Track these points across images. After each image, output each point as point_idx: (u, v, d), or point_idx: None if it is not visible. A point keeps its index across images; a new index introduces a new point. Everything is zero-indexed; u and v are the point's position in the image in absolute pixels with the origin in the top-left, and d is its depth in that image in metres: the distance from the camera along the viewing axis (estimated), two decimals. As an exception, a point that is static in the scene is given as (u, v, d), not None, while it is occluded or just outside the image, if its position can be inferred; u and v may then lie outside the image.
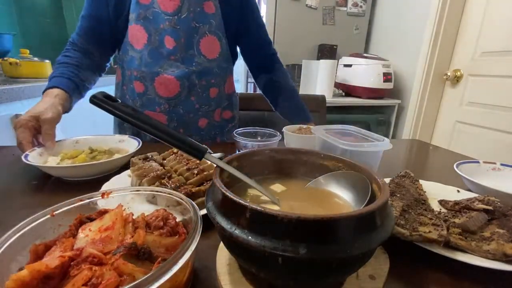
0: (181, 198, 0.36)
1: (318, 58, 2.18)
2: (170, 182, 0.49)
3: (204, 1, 0.83)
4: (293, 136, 0.75)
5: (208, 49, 0.87)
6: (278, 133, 0.80)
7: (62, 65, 0.78)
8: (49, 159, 0.64)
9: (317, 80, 2.00)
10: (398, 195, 0.47)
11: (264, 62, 1.06)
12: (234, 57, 1.02)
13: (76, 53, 0.81)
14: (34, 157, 0.61)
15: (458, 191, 0.55)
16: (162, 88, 0.86)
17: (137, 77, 0.86)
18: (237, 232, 0.25)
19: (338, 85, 2.21)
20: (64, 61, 0.78)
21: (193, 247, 0.26)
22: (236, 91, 1.11)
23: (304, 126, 0.82)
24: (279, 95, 1.04)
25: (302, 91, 2.06)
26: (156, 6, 0.79)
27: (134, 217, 0.33)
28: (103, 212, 0.33)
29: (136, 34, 0.81)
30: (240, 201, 0.25)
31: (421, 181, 0.56)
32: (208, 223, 0.30)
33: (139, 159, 0.60)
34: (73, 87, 0.76)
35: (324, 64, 1.93)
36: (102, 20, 0.81)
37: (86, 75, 0.81)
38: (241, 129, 0.85)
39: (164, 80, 0.85)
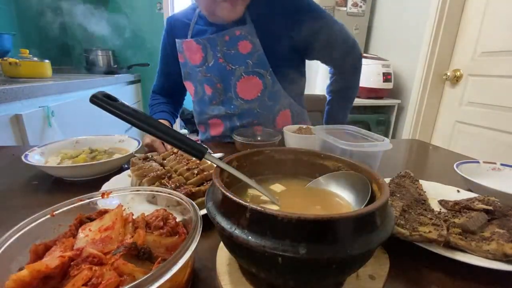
0: (181, 198, 0.36)
1: (318, 58, 2.18)
2: (170, 182, 0.49)
3: (239, 41, 0.80)
4: (293, 136, 0.75)
5: (245, 91, 0.86)
6: (278, 133, 0.80)
7: (156, 105, 0.99)
8: (49, 159, 0.64)
9: (317, 80, 2.00)
10: (398, 195, 0.47)
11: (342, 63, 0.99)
12: (294, 85, 0.93)
13: (160, 97, 1.02)
14: (34, 157, 0.61)
15: (458, 191, 0.55)
16: (212, 128, 0.98)
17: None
18: (237, 232, 0.25)
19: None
20: (156, 103, 1.00)
21: (193, 247, 0.26)
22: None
23: (304, 126, 0.82)
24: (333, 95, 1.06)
25: (302, 91, 2.06)
26: (189, 62, 0.89)
27: (134, 217, 0.33)
28: (103, 212, 0.33)
29: (189, 89, 0.96)
30: (240, 201, 0.25)
31: (421, 181, 0.56)
32: (208, 223, 0.30)
33: (139, 159, 0.60)
34: (169, 116, 0.97)
35: (324, 64, 1.92)
36: (171, 75, 0.98)
37: (172, 108, 1.02)
38: (241, 129, 0.85)
39: (212, 122, 0.96)
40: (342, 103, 1.07)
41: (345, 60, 0.96)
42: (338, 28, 0.88)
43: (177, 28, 0.90)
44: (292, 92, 0.93)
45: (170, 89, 1.02)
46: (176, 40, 0.88)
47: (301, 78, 0.99)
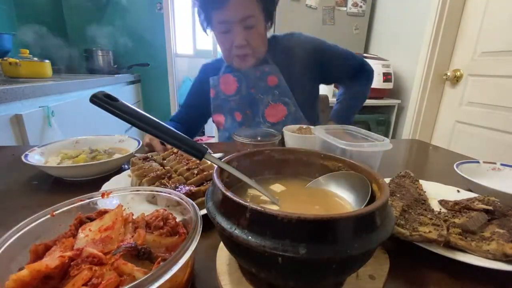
0: (181, 198, 0.36)
1: (318, 58, 2.18)
2: (170, 182, 0.49)
3: (268, 75, 0.97)
4: (293, 136, 0.75)
5: (272, 114, 0.99)
6: (278, 133, 0.80)
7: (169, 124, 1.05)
8: (49, 159, 0.64)
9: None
10: (398, 195, 0.47)
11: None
12: (312, 112, 1.06)
13: (175, 124, 1.11)
14: (34, 157, 0.61)
15: (458, 191, 0.55)
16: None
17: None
18: (237, 232, 0.25)
19: (338, 85, 2.20)
20: (170, 123, 1.10)
21: (193, 247, 0.26)
22: None
23: (304, 126, 0.82)
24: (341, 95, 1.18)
25: (302, 91, 2.06)
26: (221, 94, 1.02)
27: (134, 217, 0.33)
28: (103, 212, 0.33)
29: (218, 120, 1.07)
30: (240, 201, 0.25)
31: (421, 181, 0.56)
32: (208, 223, 0.30)
33: (139, 159, 0.60)
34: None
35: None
36: (191, 107, 1.13)
37: (184, 130, 1.07)
38: (240, 129, 0.85)
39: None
40: (350, 103, 1.16)
41: (358, 77, 1.12)
42: (347, 54, 1.06)
43: (210, 71, 1.08)
44: (311, 118, 1.04)
45: (188, 119, 1.13)
46: (212, 77, 1.04)
47: (317, 105, 1.14)
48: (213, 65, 1.12)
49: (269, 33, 0.99)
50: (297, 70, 0.99)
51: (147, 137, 0.78)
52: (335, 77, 1.13)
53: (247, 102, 1.00)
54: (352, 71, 1.09)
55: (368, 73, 1.13)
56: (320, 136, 0.63)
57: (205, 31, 0.95)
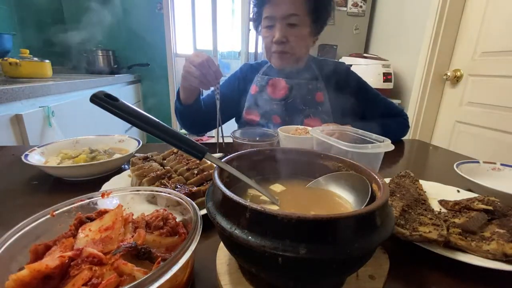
0: (181, 198, 0.36)
1: (318, 58, 2.18)
2: (170, 182, 0.49)
3: (316, 92, 1.03)
4: (287, 137, 0.75)
5: (310, 124, 0.99)
6: (276, 133, 0.79)
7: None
8: (49, 159, 0.64)
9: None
10: (398, 195, 0.47)
11: None
12: None
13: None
14: (34, 157, 0.61)
15: (458, 191, 0.55)
16: None
17: None
18: (237, 232, 0.25)
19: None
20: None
21: (193, 247, 0.26)
22: None
23: (301, 127, 0.82)
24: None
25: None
26: (266, 95, 1.05)
27: (134, 217, 0.33)
28: (103, 212, 0.33)
29: (251, 119, 1.07)
30: (240, 201, 0.25)
31: (421, 181, 0.56)
32: (208, 223, 0.30)
33: (139, 159, 0.60)
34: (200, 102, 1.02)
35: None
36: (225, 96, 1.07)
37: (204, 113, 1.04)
38: (239, 129, 0.85)
39: None
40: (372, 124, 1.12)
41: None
42: (387, 100, 1.09)
43: (251, 71, 1.12)
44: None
45: (207, 102, 1.13)
46: (261, 76, 1.08)
47: None
48: (256, 65, 1.17)
49: (318, 56, 1.04)
50: (339, 97, 1.03)
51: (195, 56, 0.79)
52: (372, 116, 1.09)
53: (290, 109, 1.03)
54: (389, 116, 1.09)
55: (404, 117, 1.10)
56: (319, 138, 0.63)
57: (256, 28, 1.01)
